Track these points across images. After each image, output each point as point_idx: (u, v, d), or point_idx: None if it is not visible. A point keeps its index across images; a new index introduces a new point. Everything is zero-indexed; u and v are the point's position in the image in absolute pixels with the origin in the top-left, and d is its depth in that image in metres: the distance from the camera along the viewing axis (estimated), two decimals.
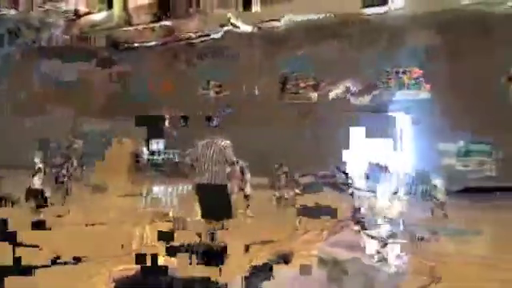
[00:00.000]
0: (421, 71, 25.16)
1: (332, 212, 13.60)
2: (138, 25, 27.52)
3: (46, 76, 31.13)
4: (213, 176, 8.67)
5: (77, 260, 8.90)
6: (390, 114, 25.74)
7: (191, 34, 29.29)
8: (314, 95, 27.78)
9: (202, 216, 9.15)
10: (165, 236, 9.72)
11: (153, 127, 28.56)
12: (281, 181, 17.09)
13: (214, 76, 31.06)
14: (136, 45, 31.63)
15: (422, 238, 12.14)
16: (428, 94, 24.84)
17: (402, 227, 12.55)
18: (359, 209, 13.65)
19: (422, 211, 16.36)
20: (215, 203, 8.87)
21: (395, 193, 13.28)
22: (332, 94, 26.42)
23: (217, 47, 29.73)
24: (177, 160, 26.32)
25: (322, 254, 1.87)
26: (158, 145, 27.17)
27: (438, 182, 16.47)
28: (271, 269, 6.78)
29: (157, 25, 27.60)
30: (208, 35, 29.01)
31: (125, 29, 27.53)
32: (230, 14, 27.35)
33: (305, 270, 1.89)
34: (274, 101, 28.62)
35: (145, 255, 7.95)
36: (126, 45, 31.98)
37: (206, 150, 8.78)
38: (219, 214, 8.92)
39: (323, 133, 25.48)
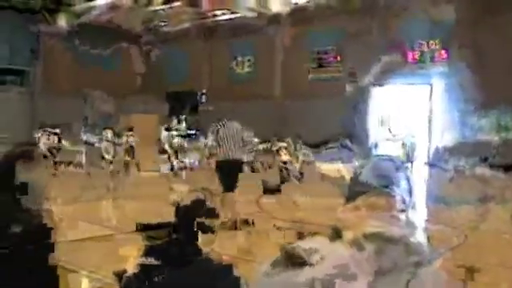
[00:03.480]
0: (444, 45, 24.36)
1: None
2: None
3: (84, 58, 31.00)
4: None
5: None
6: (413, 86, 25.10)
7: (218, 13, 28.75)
8: (340, 70, 27.29)
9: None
10: None
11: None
12: None
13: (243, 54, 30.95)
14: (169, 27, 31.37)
15: None
16: (449, 68, 23.90)
17: None
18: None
19: None
20: None
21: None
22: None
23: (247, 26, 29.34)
24: None
25: (374, 229, 1.49)
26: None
27: None
28: None
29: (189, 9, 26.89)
30: (236, 13, 28.45)
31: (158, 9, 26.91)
32: None
33: (357, 245, 1.59)
34: (303, 76, 28.23)
35: None
36: (160, 26, 31.70)
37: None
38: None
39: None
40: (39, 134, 18.60)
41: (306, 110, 26.65)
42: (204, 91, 31.78)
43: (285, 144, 16.54)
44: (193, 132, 21.55)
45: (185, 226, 2.40)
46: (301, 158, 16.86)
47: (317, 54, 28.04)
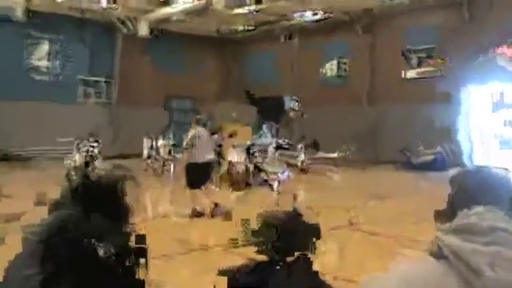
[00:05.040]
0: None
1: None
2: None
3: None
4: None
5: None
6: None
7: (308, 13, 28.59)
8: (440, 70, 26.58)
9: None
10: None
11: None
12: None
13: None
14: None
15: None
16: None
17: None
18: None
19: None
20: None
21: None
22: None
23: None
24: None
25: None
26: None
27: None
28: None
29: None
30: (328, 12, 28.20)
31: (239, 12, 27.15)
32: None
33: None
34: (398, 77, 27.63)
35: None
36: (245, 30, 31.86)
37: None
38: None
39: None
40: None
41: (401, 113, 26.18)
42: (297, 97, 31.62)
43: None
44: (285, 142, 21.83)
45: (287, 246, 2.34)
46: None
47: (414, 53, 27.36)
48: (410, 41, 27.20)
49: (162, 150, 22.49)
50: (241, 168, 17.67)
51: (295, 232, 2.42)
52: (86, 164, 17.58)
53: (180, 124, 29.84)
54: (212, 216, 11.52)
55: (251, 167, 17.71)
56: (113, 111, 30.80)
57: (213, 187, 13.28)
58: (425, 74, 26.90)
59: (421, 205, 10.85)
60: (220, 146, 19.57)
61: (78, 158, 19.12)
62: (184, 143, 12.04)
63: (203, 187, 11.89)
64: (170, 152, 22.30)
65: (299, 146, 22.92)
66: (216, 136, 14.06)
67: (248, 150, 18.85)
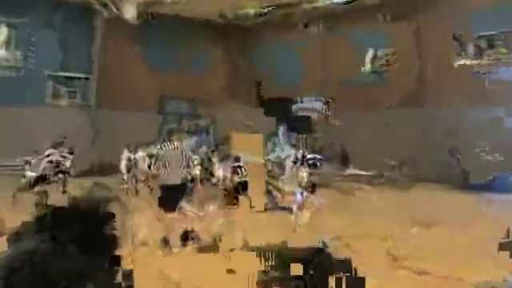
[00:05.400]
0: None
1: None
2: None
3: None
4: None
5: None
6: None
7: None
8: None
9: None
10: None
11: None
12: None
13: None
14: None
15: None
16: None
17: None
18: None
19: None
20: None
21: None
22: None
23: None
24: None
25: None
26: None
27: None
28: None
29: None
30: None
31: None
32: None
33: None
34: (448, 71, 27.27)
35: None
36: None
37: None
38: None
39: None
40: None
41: (454, 118, 25.80)
42: (323, 98, 31.50)
43: None
44: (309, 156, 21.68)
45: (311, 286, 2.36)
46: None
47: (470, 41, 26.94)
48: (466, 26, 26.77)
49: (140, 163, 22.11)
50: (228, 185, 17.90)
51: (320, 269, 2.41)
52: (44, 178, 17.44)
53: (175, 131, 29.59)
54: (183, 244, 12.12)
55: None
56: (91, 115, 30.49)
57: (188, 206, 13.74)
58: (485, 66, 26.60)
59: (479, 235, 10.81)
60: (210, 160, 20.51)
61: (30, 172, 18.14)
62: (158, 151, 13.32)
63: (177, 209, 12.72)
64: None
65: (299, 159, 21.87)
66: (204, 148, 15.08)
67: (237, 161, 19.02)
